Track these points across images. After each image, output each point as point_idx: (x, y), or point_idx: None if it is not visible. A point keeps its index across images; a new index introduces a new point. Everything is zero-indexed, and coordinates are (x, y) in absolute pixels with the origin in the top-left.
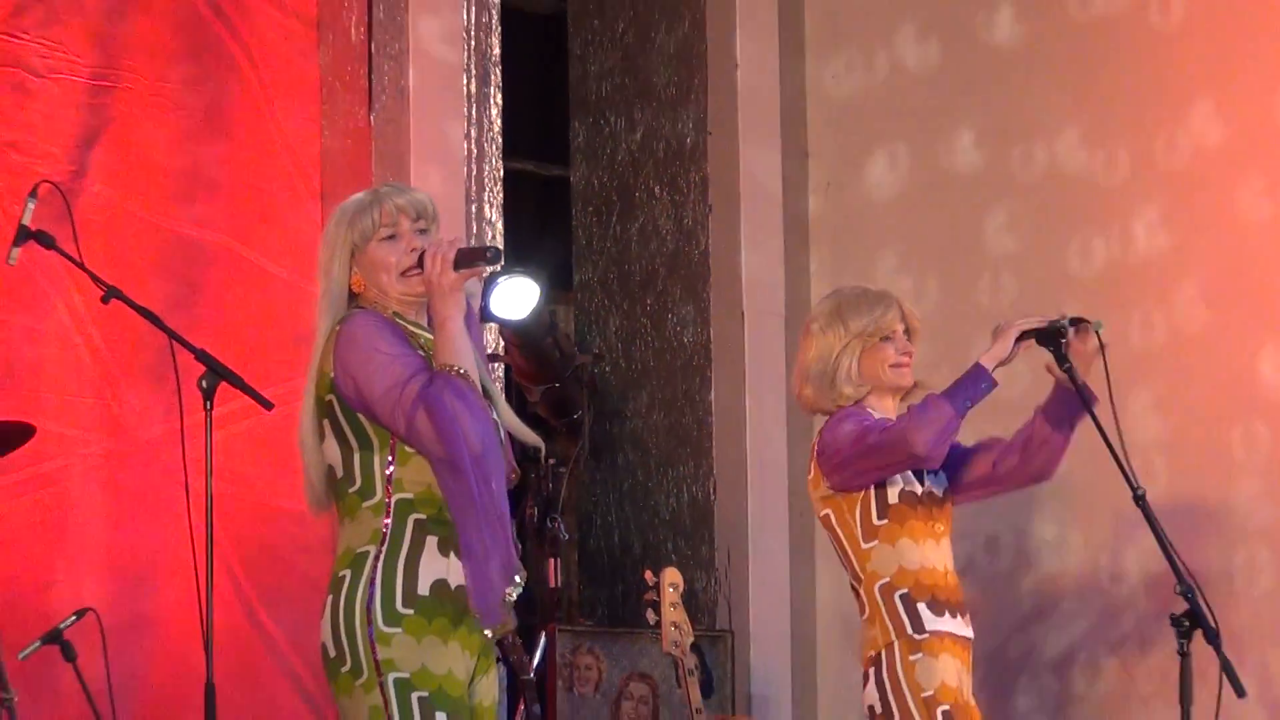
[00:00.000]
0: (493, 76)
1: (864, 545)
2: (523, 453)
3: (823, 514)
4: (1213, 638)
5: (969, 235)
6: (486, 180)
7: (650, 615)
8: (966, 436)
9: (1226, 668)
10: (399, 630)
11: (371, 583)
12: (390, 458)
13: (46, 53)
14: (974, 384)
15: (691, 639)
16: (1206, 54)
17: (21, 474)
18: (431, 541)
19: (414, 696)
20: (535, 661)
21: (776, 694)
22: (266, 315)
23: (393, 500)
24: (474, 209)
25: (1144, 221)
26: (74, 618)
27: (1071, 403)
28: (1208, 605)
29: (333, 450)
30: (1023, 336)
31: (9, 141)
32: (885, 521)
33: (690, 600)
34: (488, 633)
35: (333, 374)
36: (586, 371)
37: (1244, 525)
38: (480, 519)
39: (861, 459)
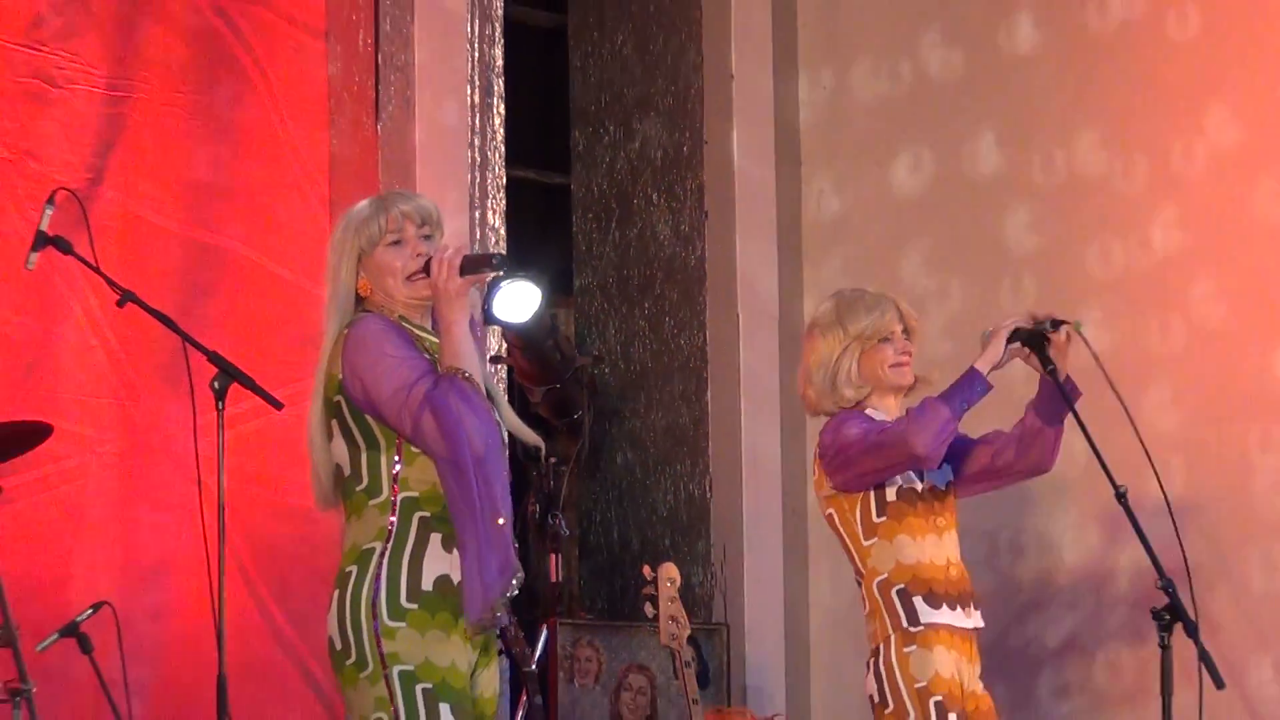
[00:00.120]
0: (496, 87)
1: (865, 543)
2: (524, 452)
3: (826, 513)
4: (1192, 631)
5: (990, 238)
6: (490, 187)
7: (648, 609)
8: (985, 428)
9: (1205, 660)
10: (403, 624)
11: (377, 578)
12: (396, 457)
13: (64, 64)
14: (969, 388)
15: (688, 632)
16: (1222, 62)
17: (40, 471)
18: (436, 538)
19: (418, 688)
20: (537, 654)
21: (770, 685)
22: (276, 318)
23: (398, 499)
24: (477, 215)
25: (1162, 225)
26: (90, 611)
27: (1058, 398)
28: (1192, 596)
29: (340, 449)
30: (1012, 338)
31: (27, 150)
32: (884, 519)
33: (687, 594)
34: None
35: (341, 376)
36: (586, 373)
37: (1262, 523)
38: (479, 520)
39: (862, 461)
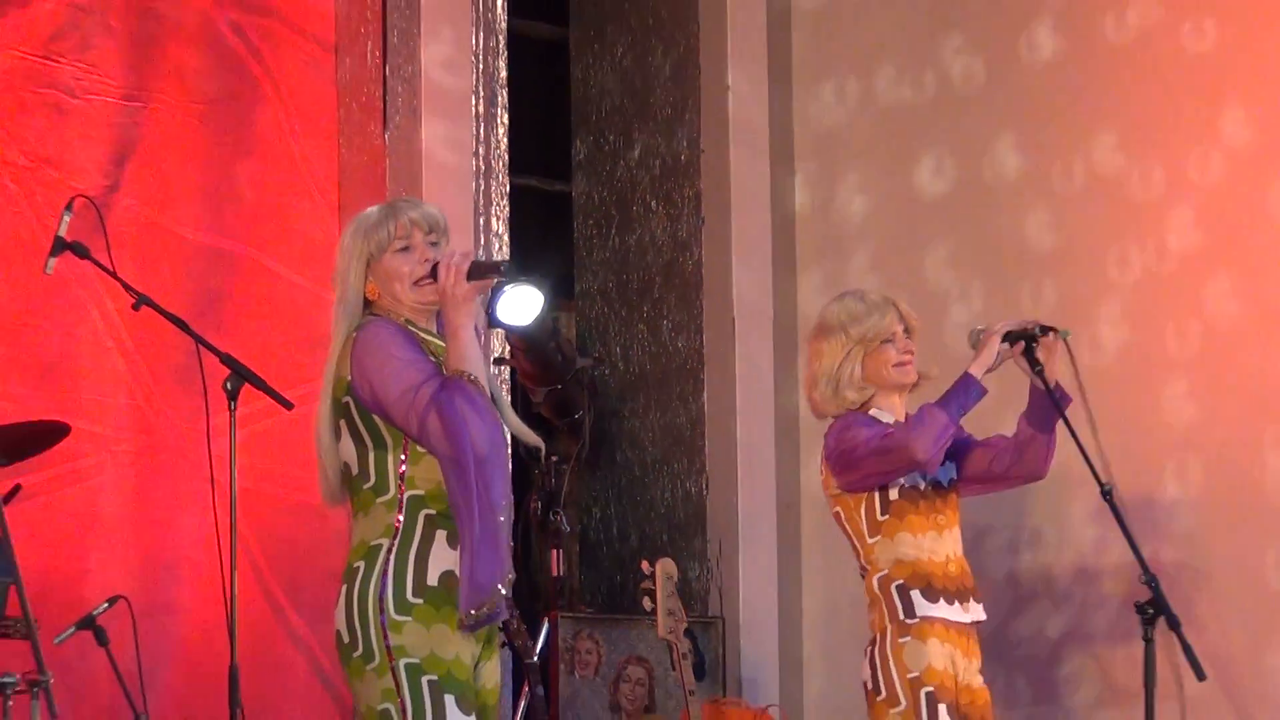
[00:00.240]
0: (499, 97)
1: (869, 540)
2: (526, 451)
3: (834, 510)
4: (1174, 624)
5: (1011, 242)
6: (493, 195)
7: (647, 603)
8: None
9: (1188, 652)
10: (409, 618)
11: (384, 574)
12: (403, 456)
13: (81, 75)
14: (965, 393)
15: (685, 625)
16: (1237, 70)
17: (58, 470)
18: (441, 535)
19: (424, 680)
20: (538, 646)
21: (765, 676)
22: (287, 321)
23: (405, 496)
24: (482, 222)
25: (1178, 228)
26: (106, 605)
27: (1047, 404)
28: (1165, 588)
29: (349, 449)
30: (1003, 340)
31: (46, 158)
32: (887, 517)
33: (684, 588)
34: (472, 611)
35: (350, 377)
36: (587, 374)
37: (1278, 520)
38: (476, 519)
39: (866, 464)
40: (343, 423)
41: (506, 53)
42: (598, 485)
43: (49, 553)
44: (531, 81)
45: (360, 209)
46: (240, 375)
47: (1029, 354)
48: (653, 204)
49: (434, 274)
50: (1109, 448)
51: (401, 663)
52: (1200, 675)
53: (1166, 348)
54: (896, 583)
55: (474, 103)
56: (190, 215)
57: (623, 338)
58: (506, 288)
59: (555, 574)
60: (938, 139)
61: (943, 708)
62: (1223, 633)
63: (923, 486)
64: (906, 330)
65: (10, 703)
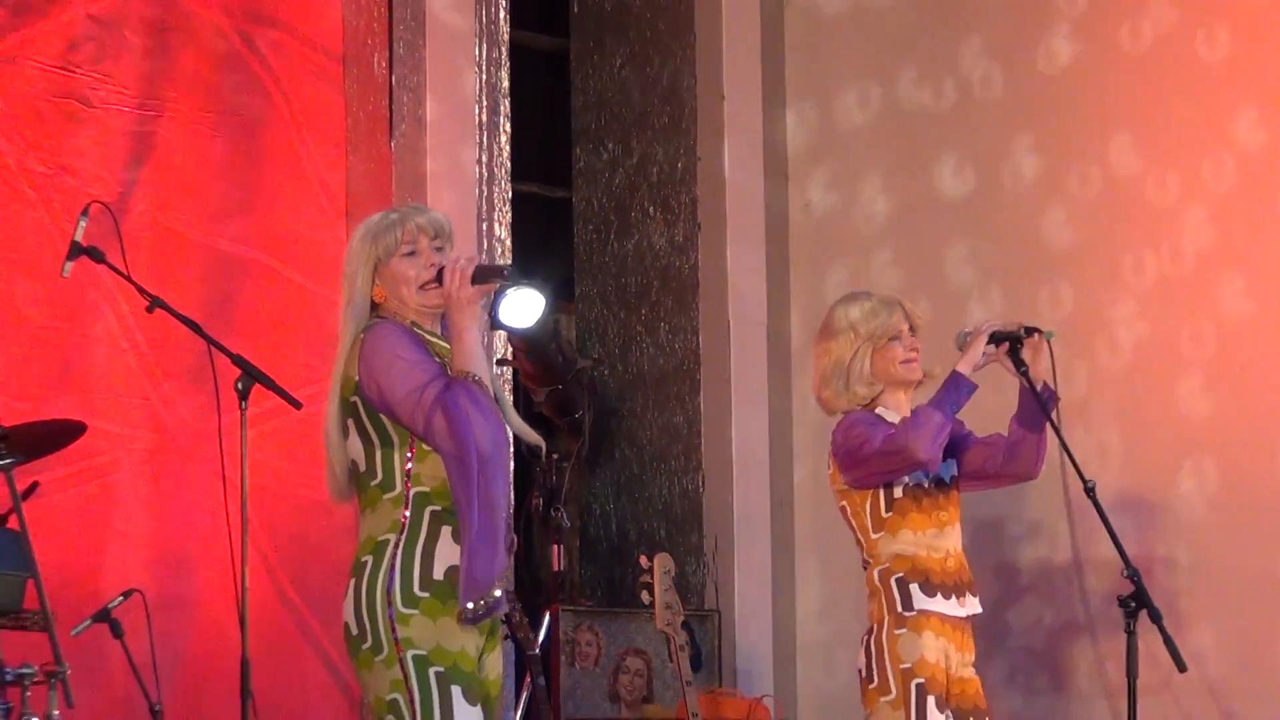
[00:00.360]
0: (502, 107)
1: (873, 535)
2: (527, 450)
3: (840, 505)
4: (1156, 617)
5: (1029, 245)
6: (496, 201)
7: (645, 596)
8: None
9: (1169, 645)
10: (416, 612)
11: (391, 568)
12: (409, 454)
13: (97, 85)
14: (956, 390)
15: (682, 618)
16: (1249, 78)
17: (74, 467)
18: (446, 531)
19: (431, 671)
20: (540, 638)
21: (759, 668)
22: (296, 323)
23: (411, 493)
24: (485, 227)
25: (1192, 231)
26: (121, 598)
27: (1034, 404)
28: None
29: (356, 447)
30: (990, 340)
31: (63, 165)
32: (890, 514)
33: (681, 582)
34: (470, 605)
35: (357, 378)
36: (587, 375)
37: None
38: (477, 516)
39: (871, 463)
40: (350, 421)
41: (508, 63)
42: (597, 482)
43: (66, 548)
44: (533, 91)
45: (367, 215)
46: (251, 375)
47: (1014, 354)
48: (651, 210)
49: (439, 278)
50: (1125, 447)
51: (409, 654)
52: (1181, 667)
53: (1181, 348)
54: (896, 576)
55: (477, 112)
56: (202, 221)
57: (622, 339)
58: (509, 291)
59: (556, 569)
60: (957, 143)
61: (931, 700)
62: (1238, 628)
63: (926, 484)
64: (912, 328)
65: (29, 693)
